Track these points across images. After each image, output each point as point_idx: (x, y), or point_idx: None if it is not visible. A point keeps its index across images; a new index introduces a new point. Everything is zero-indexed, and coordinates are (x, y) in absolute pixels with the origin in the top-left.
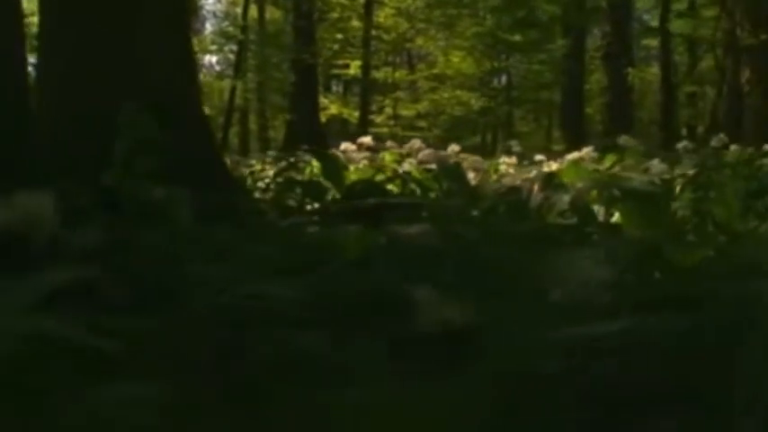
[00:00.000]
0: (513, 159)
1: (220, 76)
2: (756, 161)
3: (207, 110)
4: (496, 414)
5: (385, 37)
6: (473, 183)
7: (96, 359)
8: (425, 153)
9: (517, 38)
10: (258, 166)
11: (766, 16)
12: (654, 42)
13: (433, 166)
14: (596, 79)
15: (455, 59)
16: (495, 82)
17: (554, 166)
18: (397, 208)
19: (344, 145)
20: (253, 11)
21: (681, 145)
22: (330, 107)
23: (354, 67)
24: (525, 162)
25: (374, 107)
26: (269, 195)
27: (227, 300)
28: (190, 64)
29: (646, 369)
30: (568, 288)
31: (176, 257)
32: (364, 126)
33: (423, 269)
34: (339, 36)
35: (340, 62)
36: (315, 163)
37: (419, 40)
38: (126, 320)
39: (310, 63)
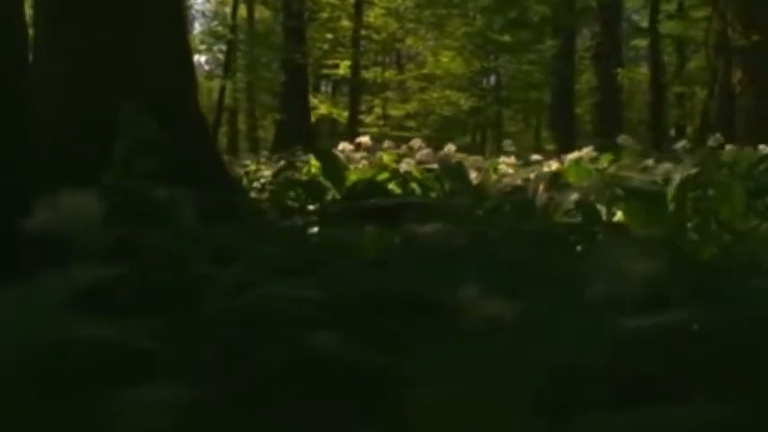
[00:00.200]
0: (513, 159)
1: (209, 75)
2: (761, 162)
3: None
4: (547, 408)
5: (375, 37)
6: (474, 182)
7: (123, 361)
8: (424, 153)
9: (506, 38)
10: (253, 166)
11: (758, 17)
12: (642, 43)
13: (432, 166)
14: (586, 79)
15: (444, 59)
16: (485, 82)
17: (554, 165)
18: (410, 207)
19: (342, 145)
20: (242, 10)
21: (679, 145)
22: (319, 107)
23: (344, 67)
24: (520, 161)
25: (363, 107)
26: (265, 195)
27: (242, 301)
28: (189, 64)
29: (692, 361)
30: (609, 282)
31: (183, 258)
32: (354, 126)
33: (447, 268)
34: (329, 36)
35: (329, 62)
36: (313, 162)
37: (409, 40)
38: (144, 322)
39: (301, 63)
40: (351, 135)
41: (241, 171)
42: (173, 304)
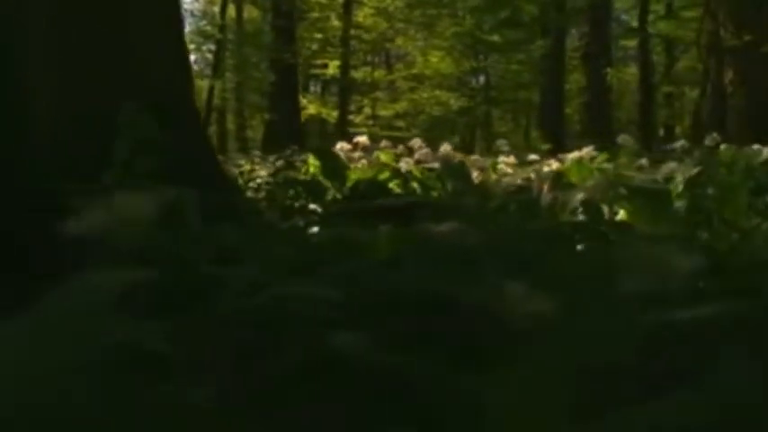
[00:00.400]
0: (512, 159)
1: (198, 75)
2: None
3: None
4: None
5: (365, 36)
6: (475, 182)
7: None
8: (423, 152)
9: (496, 38)
10: (247, 166)
11: (749, 17)
12: (631, 43)
13: (431, 165)
14: (574, 79)
15: (434, 59)
16: (474, 82)
17: (554, 165)
18: (421, 207)
19: (340, 144)
20: (231, 10)
21: (678, 144)
22: (308, 107)
23: (333, 67)
24: (517, 161)
25: (353, 107)
26: (261, 195)
27: (257, 301)
28: (186, 63)
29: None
30: (646, 278)
31: (195, 259)
32: (343, 126)
33: (470, 268)
34: (318, 36)
35: (319, 62)
36: (312, 162)
37: (398, 40)
38: (160, 323)
39: (291, 63)
40: (340, 135)
41: (235, 171)
42: (186, 306)
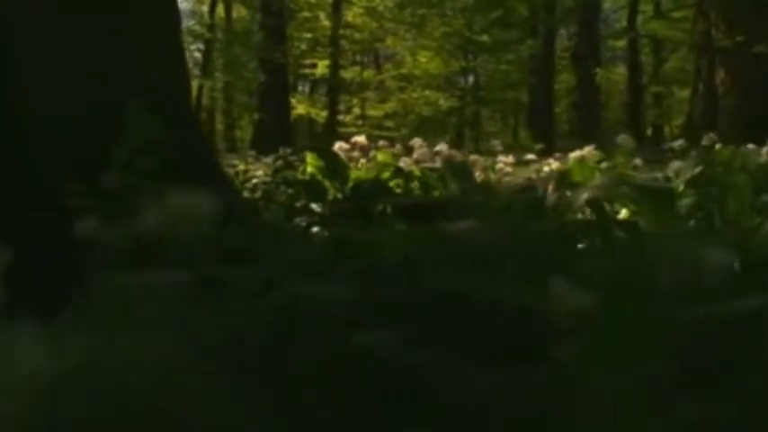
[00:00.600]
0: (510, 158)
1: None
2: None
3: None
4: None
5: (357, 36)
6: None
7: None
8: (422, 152)
9: (485, 38)
10: (241, 166)
11: (741, 18)
12: (620, 43)
13: (430, 165)
14: (563, 79)
15: (423, 59)
16: (463, 82)
17: (554, 164)
18: (439, 206)
19: (338, 144)
20: (220, 9)
21: (677, 143)
22: (297, 107)
23: (322, 67)
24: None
25: (342, 107)
26: (257, 195)
27: (275, 301)
28: (184, 63)
29: None
30: (683, 272)
31: (204, 259)
32: (332, 126)
33: (494, 266)
34: (308, 35)
35: (308, 62)
36: (311, 161)
37: (388, 40)
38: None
39: (281, 62)
40: (329, 135)
41: (230, 171)
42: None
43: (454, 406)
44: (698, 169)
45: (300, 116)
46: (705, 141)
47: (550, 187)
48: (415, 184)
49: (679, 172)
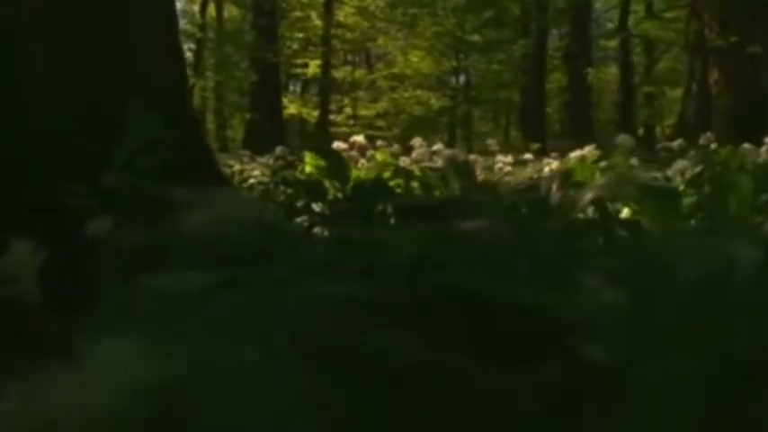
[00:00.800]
0: (509, 158)
1: None
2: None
3: None
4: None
5: (348, 35)
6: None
7: None
8: (420, 152)
9: (476, 38)
10: (237, 166)
11: (735, 18)
12: (611, 43)
13: (429, 164)
14: (555, 79)
15: (414, 59)
16: (454, 81)
17: (554, 164)
18: (451, 205)
19: (336, 144)
20: (211, 9)
21: (675, 143)
22: (289, 106)
23: (313, 67)
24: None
25: (333, 107)
26: (254, 195)
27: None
28: (183, 63)
29: None
30: (711, 267)
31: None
32: (323, 126)
33: (514, 264)
34: (299, 35)
35: (299, 61)
36: (309, 160)
37: (380, 40)
38: None
39: (273, 62)
40: (321, 135)
41: (226, 171)
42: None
43: (475, 406)
44: (698, 169)
45: (292, 116)
46: (702, 141)
47: (554, 186)
48: (416, 184)
49: (684, 171)
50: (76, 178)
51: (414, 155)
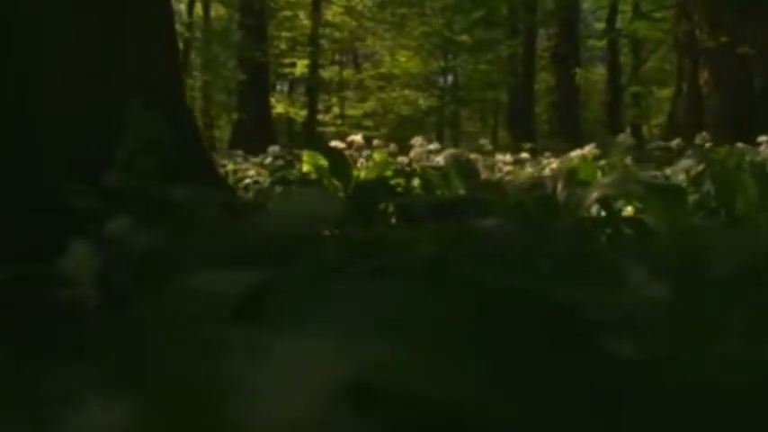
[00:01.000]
0: (508, 157)
1: None
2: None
3: None
4: None
5: (337, 35)
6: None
7: None
8: (417, 151)
9: (465, 38)
10: (231, 166)
11: (725, 19)
12: (599, 43)
13: (426, 164)
14: (542, 79)
15: (402, 59)
16: (442, 81)
17: (554, 163)
18: (466, 204)
19: (333, 143)
20: (198, 8)
21: (675, 142)
22: (276, 106)
23: (301, 66)
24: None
25: (321, 106)
26: (250, 195)
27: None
28: (179, 62)
29: None
30: (736, 260)
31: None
32: (311, 125)
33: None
34: (287, 34)
35: (287, 61)
36: (307, 160)
37: (368, 40)
38: None
39: (262, 61)
40: (308, 134)
41: (222, 171)
42: None
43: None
44: (700, 167)
45: (279, 115)
46: (698, 141)
47: (559, 185)
48: (415, 183)
49: (689, 170)
50: (76, 178)
51: (412, 154)
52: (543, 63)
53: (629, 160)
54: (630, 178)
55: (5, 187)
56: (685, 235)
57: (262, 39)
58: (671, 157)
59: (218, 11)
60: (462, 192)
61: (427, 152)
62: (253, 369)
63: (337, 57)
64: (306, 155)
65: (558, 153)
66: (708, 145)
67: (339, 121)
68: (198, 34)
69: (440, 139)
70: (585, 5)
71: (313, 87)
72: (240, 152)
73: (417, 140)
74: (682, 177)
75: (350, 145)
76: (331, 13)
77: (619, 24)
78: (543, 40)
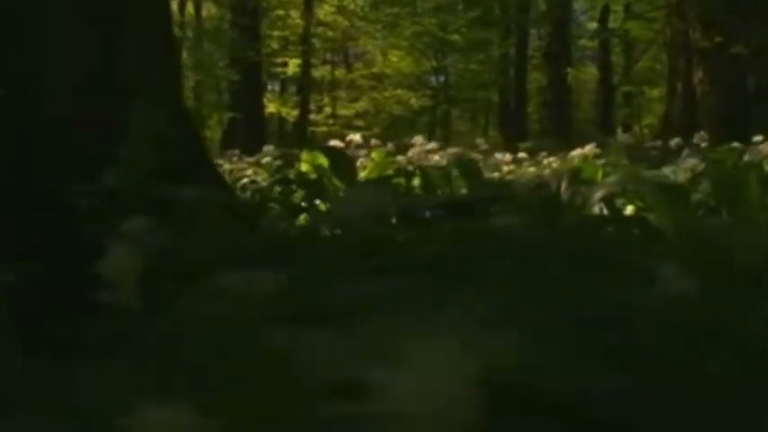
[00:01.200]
0: (508, 157)
1: None
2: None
3: None
4: None
5: (329, 34)
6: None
7: None
8: (416, 151)
9: (456, 38)
10: (227, 165)
11: (720, 19)
12: (590, 43)
13: (425, 163)
14: (534, 78)
15: (394, 59)
16: (434, 81)
17: (555, 163)
18: (484, 202)
19: (332, 142)
20: (189, 7)
21: (673, 142)
22: (268, 105)
23: (293, 66)
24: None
25: (313, 106)
26: (247, 195)
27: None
28: (178, 62)
29: None
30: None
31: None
32: (303, 125)
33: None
34: (280, 33)
35: (279, 60)
36: (306, 159)
37: (361, 39)
38: None
39: (256, 60)
40: (300, 134)
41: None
42: None
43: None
44: (701, 167)
45: (271, 115)
46: (696, 140)
47: (563, 184)
48: (415, 183)
49: (693, 168)
50: (76, 178)
51: (410, 153)
52: (535, 63)
53: (624, 160)
54: (635, 177)
55: (5, 187)
56: (700, 234)
57: (255, 38)
58: (665, 156)
59: (209, 10)
60: (464, 191)
61: (426, 151)
62: (384, 370)
63: (329, 56)
64: (304, 154)
65: (551, 152)
66: (704, 144)
67: (331, 121)
68: (189, 34)
69: (431, 138)
70: (577, 5)
71: (305, 87)
72: (236, 151)
73: (418, 140)
74: (683, 177)
75: (348, 144)
76: (323, 13)
77: (611, 24)
78: (535, 40)
